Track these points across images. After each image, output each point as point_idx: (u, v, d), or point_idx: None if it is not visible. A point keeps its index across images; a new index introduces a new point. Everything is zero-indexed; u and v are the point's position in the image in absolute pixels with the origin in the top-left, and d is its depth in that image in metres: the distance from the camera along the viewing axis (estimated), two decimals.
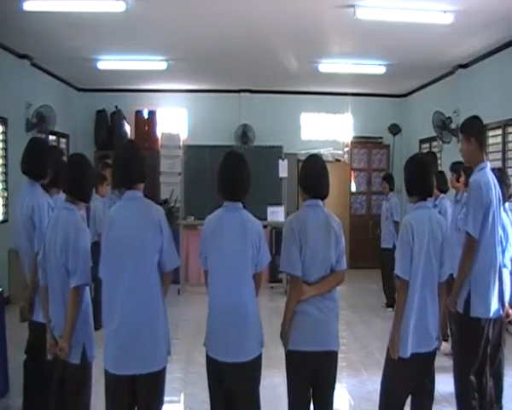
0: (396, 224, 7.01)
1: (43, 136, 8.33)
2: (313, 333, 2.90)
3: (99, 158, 8.00)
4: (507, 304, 3.59)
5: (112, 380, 2.72)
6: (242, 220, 2.88)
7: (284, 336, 2.96)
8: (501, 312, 3.46)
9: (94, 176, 3.21)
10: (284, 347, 2.98)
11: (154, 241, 2.72)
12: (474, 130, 3.46)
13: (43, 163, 3.58)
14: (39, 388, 3.45)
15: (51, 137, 9.02)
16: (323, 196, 3.04)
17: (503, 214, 3.84)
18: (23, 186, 3.67)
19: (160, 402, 2.84)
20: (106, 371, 2.74)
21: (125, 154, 2.90)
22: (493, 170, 3.62)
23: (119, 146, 3.27)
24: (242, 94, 10.73)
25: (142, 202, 2.82)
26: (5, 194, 7.57)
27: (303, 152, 10.17)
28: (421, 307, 2.95)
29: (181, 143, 8.88)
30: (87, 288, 3.00)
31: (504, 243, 3.79)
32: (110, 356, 2.73)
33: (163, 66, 8.38)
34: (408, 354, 2.93)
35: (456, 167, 5.41)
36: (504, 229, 3.79)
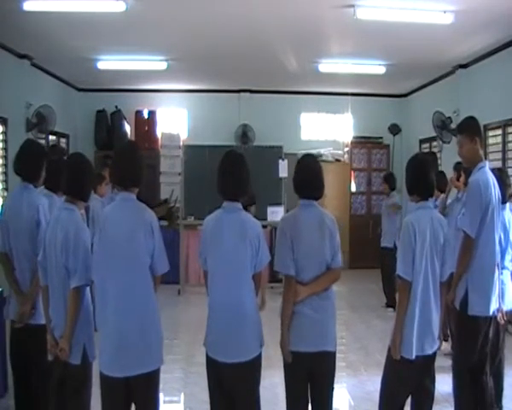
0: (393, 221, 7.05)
1: (43, 136, 8.34)
2: (308, 334, 2.89)
3: (100, 159, 8.01)
4: (504, 309, 3.60)
5: (106, 382, 2.73)
6: (241, 221, 2.88)
7: (284, 345, 2.90)
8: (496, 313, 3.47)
9: (93, 175, 3.19)
10: (285, 359, 2.93)
11: (146, 243, 2.72)
12: (475, 129, 3.48)
13: (34, 165, 3.54)
14: (32, 390, 3.42)
15: (51, 137, 9.03)
16: (316, 198, 3.01)
17: (507, 215, 3.84)
18: (17, 188, 3.60)
19: (156, 402, 2.84)
20: (100, 373, 2.75)
21: (124, 155, 2.90)
22: (493, 170, 3.62)
23: (120, 145, 3.24)
24: (242, 94, 10.73)
25: (136, 205, 2.82)
26: (5, 194, 7.57)
27: (303, 152, 10.12)
28: (425, 308, 2.96)
29: (181, 143, 8.88)
30: (87, 288, 2.99)
31: (504, 244, 3.79)
32: (104, 358, 2.74)
33: (163, 66, 8.37)
34: (413, 356, 2.93)
35: (458, 167, 5.41)
36: (506, 230, 3.79)
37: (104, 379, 2.73)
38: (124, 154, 2.91)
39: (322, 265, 2.92)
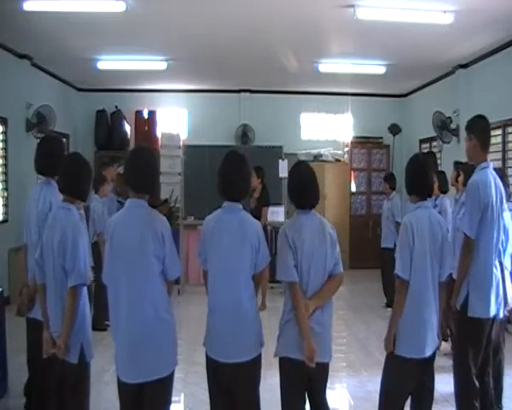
0: (397, 224, 7.00)
1: (43, 136, 8.34)
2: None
3: (101, 159, 8.02)
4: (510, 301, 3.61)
5: (122, 387, 2.76)
6: (241, 221, 2.87)
7: (310, 354, 2.78)
8: (500, 312, 3.45)
9: (91, 174, 3.19)
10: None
11: (156, 250, 2.71)
12: (475, 128, 3.48)
13: (56, 160, 3.55)
14: (39, 387, 3.46)
15: None
16: (312, 206, 2.97)
17: (506, 215, 3.83)
18: (38, 183, 3.68)
19: (168, 403, 2.84)
20: (117, 377, 2.78)
21: (137, 160, 2.83)
22: (494, 170, 3.62)
23: (138, 149, 3.10)
24: (242, 94, 10.73)
25: (146, 211, 2.79)
26: (5, 194, 7.57)
27: (303, 152, 10.19)
28: (425, 307, 2.96)
29: (181, 143, 8.88)
30: (85, 288, 3.00)
31: (505, 244, 3.79)
32: (119, 364, 2.75)
33: (163, 66, 8.38)
34: (414, 356, 2.94)
35: (457, 166, 5.40)
36: (505, 229, 3.78)
37: (120, 385, 2.76)
38: (137, 159, 2.84)
39: (324, 273, 2.89)
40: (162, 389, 2.75)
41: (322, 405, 2.98)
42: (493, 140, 7.38)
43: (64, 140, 9.79)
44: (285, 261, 2.84)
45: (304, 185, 2.97)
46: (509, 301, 3.65)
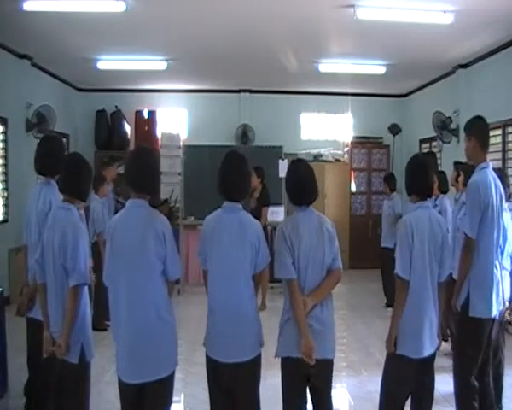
0: (399, 217, 6.97)
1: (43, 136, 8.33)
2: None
3: (101, 159, 8.01)
4: (507, 303, 3.60)
5: (123, 387, 2.76)
6: (241, 221, 2.87)
7: (308, 351, 2.78)
8: (499, 312, 3.46)
9: (91, 174, 3.20)
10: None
11: (157, 250, 2.71)
12: (474, 128, 3.48)
13: (56, 160, 3.53)
14: (39, 386, 3.46)
15: None
16: (309, 203, 2.97)
17: (505, 215, 3.83)
18: (38, 183, 3.68)
19: (168, 403, 2.84)
20: (118, 377, 2.78)
21: (141, 161, 2.83)
22: (494, 170, 3.62)
23: (138, 150, 3.13)
24: (242, 94, 10.74)
25: (147, 211, 2.79)
26: (5, 194, 7.57)
27: (303, 152, 10.18)
28: (425, 307, 2.96)
29: (181, 143, 8.89)
30: (85, 287, 3.00)
31: (503, 245, 3.79)
32: (120, 364, 2.76)
33: (163, 66, 8.38)
34: (413, 355, 2.94)
35: (457, 166, 5.40)
36: (504, 230, 3.79)
37: (121, 385, 2.77)
38: (137, 159, 2.85)
39: (322, 270, 2.89)
40: (163, 389, 2.75)
41: (327, 409, 2.97)
42: (493, 140, 7.40)
43: (64, 140, 9.81)
44: (282, 259, 2.85)
45: (302, 182, 2.97)
46: (506, 302, 3.65)
